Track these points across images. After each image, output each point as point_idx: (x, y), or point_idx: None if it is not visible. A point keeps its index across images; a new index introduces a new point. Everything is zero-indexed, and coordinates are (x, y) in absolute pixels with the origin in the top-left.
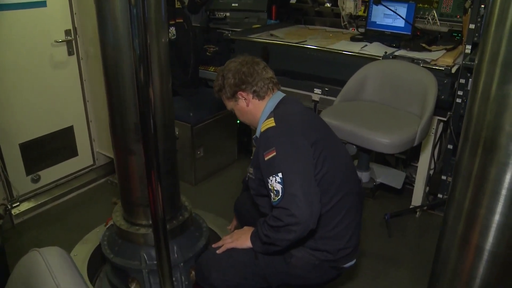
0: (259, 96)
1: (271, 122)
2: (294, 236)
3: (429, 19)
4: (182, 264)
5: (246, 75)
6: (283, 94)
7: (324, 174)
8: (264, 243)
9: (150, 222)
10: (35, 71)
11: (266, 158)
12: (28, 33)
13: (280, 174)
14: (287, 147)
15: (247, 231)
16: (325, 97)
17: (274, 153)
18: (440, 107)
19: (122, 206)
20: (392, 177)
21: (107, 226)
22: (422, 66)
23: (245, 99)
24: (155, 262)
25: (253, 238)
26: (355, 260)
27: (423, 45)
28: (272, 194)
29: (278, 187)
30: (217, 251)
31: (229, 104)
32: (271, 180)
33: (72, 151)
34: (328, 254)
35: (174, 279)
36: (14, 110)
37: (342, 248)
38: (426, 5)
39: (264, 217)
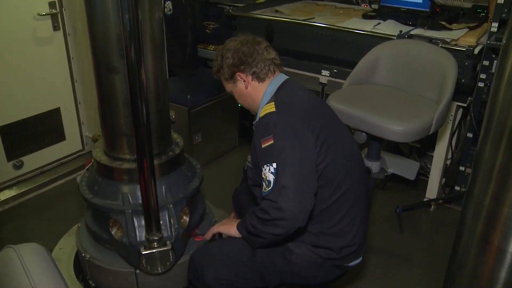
0: (259, 78)
1: (271, 107)
2: (281, 232)
3: None
4: (171, 205)
5: (245, 55)
6: (286, 77)
7: (326, 165)
8: (250, 233)
9: (135, 156)
10: (15, 47)
11: (263, 146)
12: (6, 4)
13: (274, 164)
14: (286, 135)
15: (236, 220)
16: (334, 79)
17: (272, 142)
18: (460, 92)
19: (103, 139)
20: (405, 167)
21: (87, 167)
22: (440, 46)
23: (244, 80)
24: (140, 202)
25: (240, 226)
26: (361, 258)
27: (443, 23)
28: (264, 183)
29: (271, 177)
30: (204, 237)
31: (228, 86)
32: (265, 169)
33: (59, 135)
34: (331, 251)
35: (161, 222)
36: None
37: (346, 246)
38: None
39: None
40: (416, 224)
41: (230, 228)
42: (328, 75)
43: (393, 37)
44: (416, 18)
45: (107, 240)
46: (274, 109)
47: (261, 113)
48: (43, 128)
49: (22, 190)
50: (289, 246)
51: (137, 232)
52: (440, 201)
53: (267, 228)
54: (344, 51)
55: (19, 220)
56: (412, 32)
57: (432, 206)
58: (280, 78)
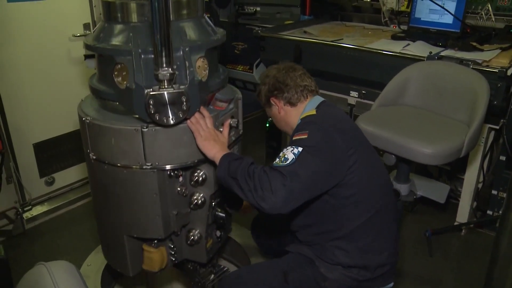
0: (291, 103)
1: (312, 111)
2: (264, 207)
3: (482, 14)
4: (187, 49)
5: (279, 82)
6: (322, 99)
7: (358, 180)
8: (234, 179)
9: None
10: (50, 67)
11: (294, 138)
12: (42, 26)
13: (300, 148)
14: (320, 136)
15: (220, 142)
16: (362, 100)
17: (305, 136)
18: (492, 114)
19: None
20: (435, 190)
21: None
22: (472, 68)
23: (276, 105)
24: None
25: (225, 162)
26: (392, 283)
27: (474, 44)
28: (278, 159)
29: (290, 156)
30: (188, 121)
31: (267, 110)
32: (287, 149)
33: None
34: (366, 272)
35: (175, 67)
36: (28, 109)
37: (382, 265)
38: None
39: (288, 230)
40: (446, 248)
41: (209, 149)
42: (357, 96)
43: (422, 59)
44: (446, 39)
45: (111, 95)
46: (315, 113)
47: (301, 116)
48: (74, 146)
49: (53, 206)
50: (322, 272)
51: (144, 74)
52: (472, 225)
53: (256, 195)
54: (373, 72)
55: (49, 235)
56: (442, 53)
57: (463, 230)
58: (317, 99)
